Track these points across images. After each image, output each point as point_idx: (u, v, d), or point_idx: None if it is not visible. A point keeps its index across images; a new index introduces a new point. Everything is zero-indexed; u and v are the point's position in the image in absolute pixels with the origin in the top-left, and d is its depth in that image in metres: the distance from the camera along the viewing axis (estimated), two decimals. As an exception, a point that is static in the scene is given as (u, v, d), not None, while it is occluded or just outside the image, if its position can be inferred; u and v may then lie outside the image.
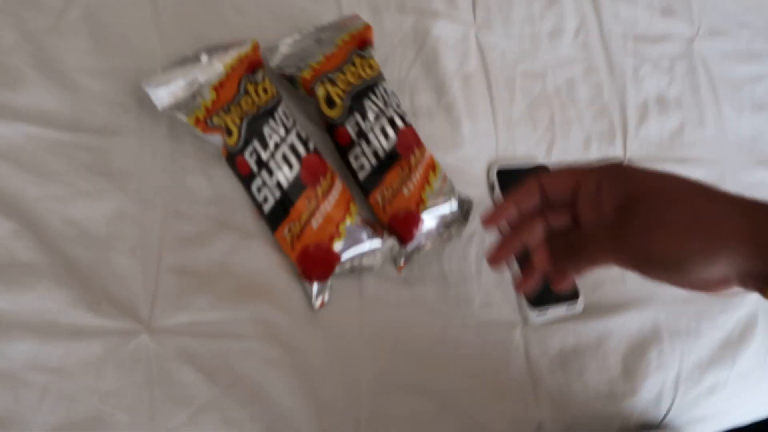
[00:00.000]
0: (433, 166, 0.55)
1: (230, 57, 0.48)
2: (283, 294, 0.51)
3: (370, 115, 0.53)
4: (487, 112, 0.65)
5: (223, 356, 0.47)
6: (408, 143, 0.54)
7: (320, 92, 0.52)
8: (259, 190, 0.49)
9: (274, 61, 0.53)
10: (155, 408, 0.44)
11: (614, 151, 0.72)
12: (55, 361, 0.42)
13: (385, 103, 0.54)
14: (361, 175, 0.53)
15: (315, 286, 0.50)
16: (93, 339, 0.44)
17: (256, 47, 0.50)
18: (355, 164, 0.53)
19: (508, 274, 0.61)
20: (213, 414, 0.46)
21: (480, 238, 0.61)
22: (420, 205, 0.54)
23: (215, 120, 0.47)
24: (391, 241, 0.53)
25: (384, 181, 0.53)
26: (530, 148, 0.67)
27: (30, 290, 0.42)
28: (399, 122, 0.54)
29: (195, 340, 0.47)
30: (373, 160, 0.53)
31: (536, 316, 0.60)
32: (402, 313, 0.55)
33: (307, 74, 0.52)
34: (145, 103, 0.48)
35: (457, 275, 0.58)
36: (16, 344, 0.41)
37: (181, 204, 0.49)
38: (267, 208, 0.49)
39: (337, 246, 0.50)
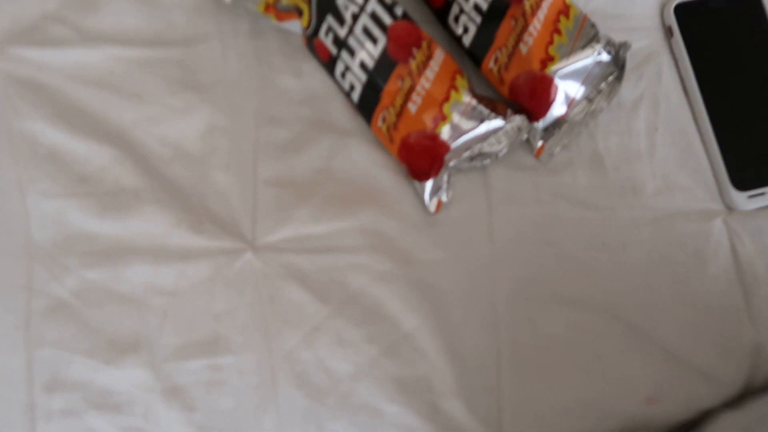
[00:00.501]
0: (564, 8, 0.42)
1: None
2: (392, 198, 0.44)
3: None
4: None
5: (333, 272, 0.43)
6: None
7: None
8: (343, 75, 0.42)
9: None
10: (268, 329, 0.42)
11: None
12: (170, 283, 0.42)
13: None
14: (466, 40, 0.42)
15: (428, 185, 0.42)
16: (200, 260, 0.42)
17: None
18: (456, 28, 0.43)
19: (698, 146, 0.46)
20: (327, 335, 0.42)
21: (651, 99, 0.46)
22: (549, 63, 0.41)
23: (284, 1, 0.40)
24: (519, 119, 0.42)
25: (495, 42, 0.42)
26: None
27: (137, 215, 0.42)
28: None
29: (300, 256, 0.43)
30: (477, 17, 0.42)
31: (747, 199, 0.44)
32: (543, 210, 0.44)
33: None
34: (222, 4, 0.44)
35: (618, 154, 0.45)
36: (134, 268, 0.42)
37: (273, 108, 0.44)
38: (355, 96, 0.42)
39: (445, 132, 0.41)
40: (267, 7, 0.41)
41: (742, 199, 0.44)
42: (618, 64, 0.43)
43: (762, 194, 0.44)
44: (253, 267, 0.42)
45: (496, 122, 0.41)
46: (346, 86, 0.42)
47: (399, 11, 0.41)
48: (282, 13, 0.41)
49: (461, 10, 0.42)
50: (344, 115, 0.44)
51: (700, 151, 0.46)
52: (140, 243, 0.42)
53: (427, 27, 0.43)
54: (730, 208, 0.45)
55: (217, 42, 0.44)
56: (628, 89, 0.46)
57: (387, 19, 0.40)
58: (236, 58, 0.44)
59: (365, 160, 0.44)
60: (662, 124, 0.46)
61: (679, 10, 0.47)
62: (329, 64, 0.42)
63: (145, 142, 0.43)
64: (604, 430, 0.42)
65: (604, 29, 0.44)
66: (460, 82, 0.41)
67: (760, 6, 0.47)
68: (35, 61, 0.43)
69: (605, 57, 0.42)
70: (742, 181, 0.45)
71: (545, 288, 0.43)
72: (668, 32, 0.47)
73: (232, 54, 0.44)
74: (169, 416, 0.41)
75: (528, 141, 0.44)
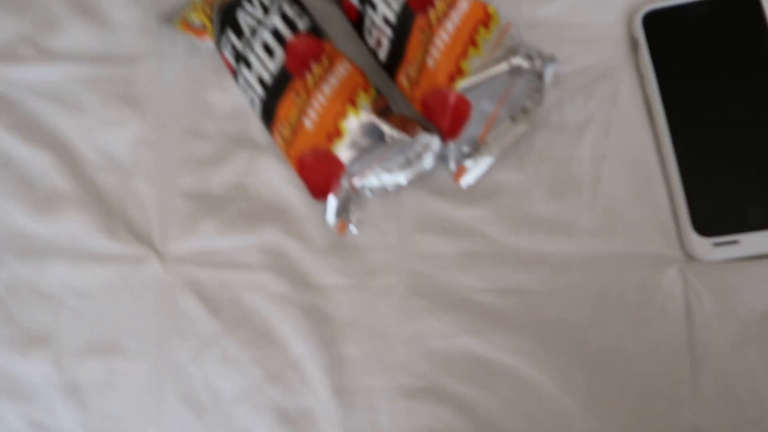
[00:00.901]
0: (484, 18, 0.38)
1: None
2: (299, 217, 0.42)
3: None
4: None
5: (230, 289, 0.42)
6: None
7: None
8: (245, 90, 0.41)
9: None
10: (162, 339, 0.42)
11: None
12: (82, 284, 0.44)
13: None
14: (381, 54, 0.40)
15: (330, 205, 0.40)
16: (111, 264, 0.44)
17: None
18: (370, 41, 0.40)
19: (657, 181, 0.38)
20: (215, 352, 0.41)
21: (602, 123, 0.39)
22: (457, 77, 0.37)
23: (194, 17, 0.41)
24: (426, 137, 0.38)
25: (406, 55, 0.38)
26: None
27: (63, 217, 0.45)
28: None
29: (202, 269, 0.42)
30: (387, 30, 0.39)
31: (713, 247, 0.36)
32: (458, 243, 0.39)
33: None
34: (162, 25, 0.46)
35: (551, 184, 0.39)
36: (54, 266, 0.44)
37: (200, 123, 0.45)
38: (256, 111, 0.41)
39: (341, 149, 0.38)
40: (184, 25, 0.42)
41: (706, 246, 0.36)
42: (536, 71, 0.37)
43: (732, 243, 0.36)
44: (157, 276, 0.43)
45: (398, 139, 0.38)
46: (248, 100, 0.41)
47: (303, 26, 0.40)
48: (197, 29, 0.42)
49: (372, 23, 0.40)
50: (262, 130, 0.44)
51: (659, 186, 0.38)
52: (63, 243, 0.44)
53: (347, 42, 0.42)
54: (690, 256, 0.37)
55: (155, 60, 0.46)
56: (573, 109, 0.40)
57: (287, 33, 0.39)
58: (171, 75, 0.46)
59: (278, 178, 0.43)
60: (613, 151, 0.39)
61: (648, 20, 0.40)
62: (234, 77, 0.42)
63: (81, 151, 0.46)
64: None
65: (554, 41, 0.39)
66: (363, 97, 0.38)
67: (750, 15, 0.39)
68: (2, 76, 0.48)
69: (523, 66, 0.37)
70: (708, 226, 0.36)
71: (453, 327, 0.38)
72: (633, 45, 0.40)
73: (167, 71, 0.46)
74: (65, 413, 0.42)
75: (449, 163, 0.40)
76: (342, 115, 0.38)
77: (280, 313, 0.41)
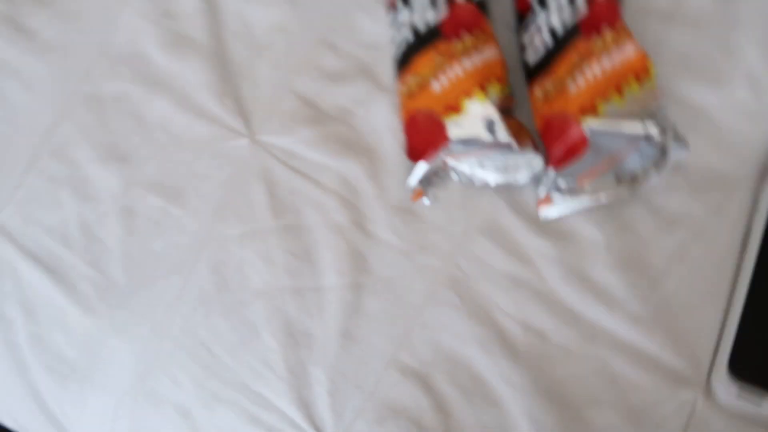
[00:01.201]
0: (641, 72, 0.37)
1: None
2: (385, 167, 0.43)
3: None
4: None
5: (297, 197, 0.44)
6: (599, 17, 0.37)
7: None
8: (395, 28, 0.42)
9: None
10: (220, 209, 0.45)
11: None
12: (176, 128, 0.47)
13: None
14: (530, 57, 0.40)
15: (418, 169, 0.41)
16: (207, 123, 0.46)
17: None
18: (525, 39, 0.40)
19: (715, 307, 0.38)
20: (259, 244, 0.44)
21: (696, 225, 0.39)
22: (588, 113, 0.37)
23: None
24: (531, 155, 0.38)
25: (552, 69, 0.38)
26: None
27: (186, 61, 0.47)
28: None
29: (282, 168, 0.45)
30: (548, 38, 0.39)
31: (733, 394, 0.36)
32: (511, 267, 0.40)
33: None
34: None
35: (622, 255, 0.39)
36: (160, 101, 0.47)
37: (339, 38, 0.46)
38: (397, 51, 0.42)
39: (452, 125, 0.39)
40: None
41: (729, 390, 0.36)
42: (661, 148, 0.37)
43: (755, 401, 0.36)
44: (242, 154, 0.45)
45: (506, 143, 0.38)
46: (392, 38, 0.42)
47: None
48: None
49: (537, 24, 0.39)
50: (389, 71, 0.44)
51: (717, 312, 0.38)
52: (176, 84, 0.47)
53: (502, 29, 0.42)
54: (707, 392, 0.37)
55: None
56: (678, 200, 0.40)
57: None
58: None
59: (384, 122, 0.44)
60: (692, 259, 0.39)
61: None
62: (391, 11, 0.42)
63: (228, 10, 0.48)
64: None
65: (694, 127, 0.39)
66: (495, 88, 0.39)
67: None
68: None
69: (654, 137, 0.36)
70: (742, 372, 0.36)
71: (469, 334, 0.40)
72: (764, 174, 0.39)
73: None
74: (114, 229, 0.46)
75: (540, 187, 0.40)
76: (468, 94, 0.38)
77: (330, 241, 0.43)
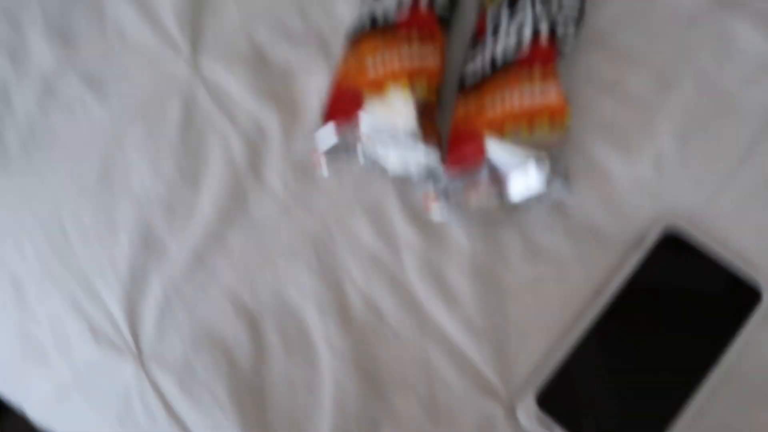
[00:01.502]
0: (555, 114, 0.39)
1: None
2: (303, 125, 0.44)
3: (518, 16, 0.41)
4: (729, 153, 0.42)
5: (209, 125, 0.45)
6: (533, 58, 0.40)
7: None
8: (361, 12, 0.44)
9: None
10: (133, 113, 0.46)
11: None
12: (130, 31, 0.48)
13: (548, 12, 0.41)
14: (468, 81, 0.42)
15: (327, 129, 0.41)
16: (158, 36, 0.48)
17: None
18: (469, 64, 0.42)
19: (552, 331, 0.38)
20: (153, 153, 0.44)
21: (557, 270, 0.40)
22: (493, 128, 0.39)
23: None
24: (427, 150, 0.40)
25: (480, 93, 0.41)
26: (759, 250, 0.40)
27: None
28: (545, 42, 0.40)
29: (207, 97, 0.46)
30: (488, 65, 0.41)
31: (535, 419, 0.36)
32: (377, 248, 0.41)
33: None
34: None
35: (478, 268, 0.40)
36: (124, 2, 0.49)
37: (312, 7, 0.48)
38: (351, 31, 0.44)
39: (370, 103, 0.40)
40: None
41: (530, 415, 0.36)
42: (545, 182, 0.38)
43: (548, 427, 0.36)
44: (176, 72, 0.47)
45: (410, 133, 0.39)
46: (356, 22, 0.44)
47: (439, 8, 0.43)
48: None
49: (483, 51, 0.42)
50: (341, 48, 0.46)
51: (544, 345, 0.38)
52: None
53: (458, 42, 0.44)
54: (511, 410, 0.37)
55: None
56: (554, 242, 0.40)
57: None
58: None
59: (318, 92, 0.45)
60: (544, 292, 0.39)
61: (668, 231, 0.40)
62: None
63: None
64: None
65: (592, 186, 0.41)
66: (423, 88, 0.40)
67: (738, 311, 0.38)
68: None
69: (541, 175, 0.38)
70: (547, 399, 0.36)
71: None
72: (638, 242, 0.40)
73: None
74: (28, 102, 0.47)
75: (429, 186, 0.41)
76: (396, 80, 0.40)
77: (221, 172, 0.44)
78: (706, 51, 0.44)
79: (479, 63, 0.42)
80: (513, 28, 0.41)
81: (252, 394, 0.38)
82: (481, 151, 0.39)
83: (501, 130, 0.39)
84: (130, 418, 0.39)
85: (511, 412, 0.37)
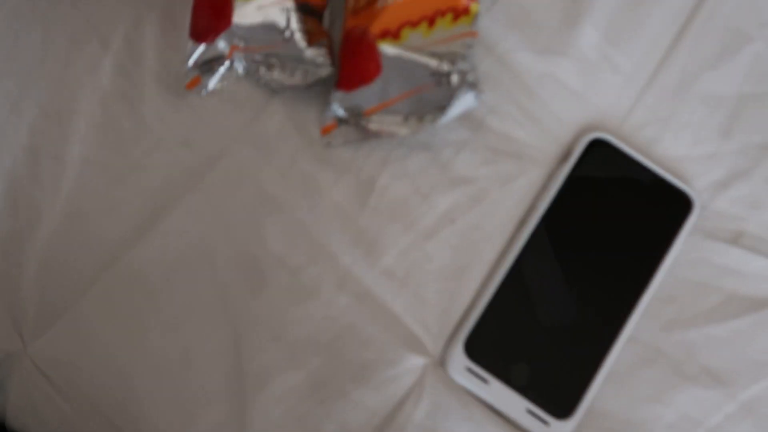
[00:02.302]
0: (458, 9, 0.33)
1: None
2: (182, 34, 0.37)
3: None
4: (653, 50, 0.37)
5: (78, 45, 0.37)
6: None
7: None
8: None
9: None
10: None
11: None
12: None
13: None
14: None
15: (197, 50, 0.35)
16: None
17: None
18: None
19: (471, 280, 0.35)
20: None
21: (475, 192, 0.35)
22: (389, 36, 0.33)
23: None
24: (321, 58, 0.34)
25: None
26: (687, 158, 0.36)
27: None
28: None
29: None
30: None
31: (462, 368, 0.33)
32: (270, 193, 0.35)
33: None
34: None
35: (390, 200, 0.35)
36: None
37: None
38: None
39: (241, 8, 0.33)
40: None
41: (459, 363, 0.33)
42: (450, 91, 0.33)
43: (482, 379, 0.33)
44: None
45: (295, 40, 0.33)
46: None
47: None
48: None
49: None
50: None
51: (469, 287, 0.35)
52: None
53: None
54: (440, 362, 0.34)
55: None
56: (466, 161, 0.36)
57: None
58: None
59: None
60: (465, 224, 0.35)
61: (594, 144, 0.36)
62: None
63: None
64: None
65: (508, 95, 0.35)
66: None
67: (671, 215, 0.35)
68: None
69: (451, 79, 0.32)
70: (476, 349, 0.33)
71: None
72: (563, 156, 0.36)
73: None
74: None
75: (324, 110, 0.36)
76: None
77: (90, 109, 0.37)
78: None
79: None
80: None
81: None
82: (376, 65, 0.33)
83: (397, 36, 0.33)
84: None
85: (440, 364, 0.34)
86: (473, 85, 0.33)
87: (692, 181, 0.36)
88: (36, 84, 0.37)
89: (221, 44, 0.35)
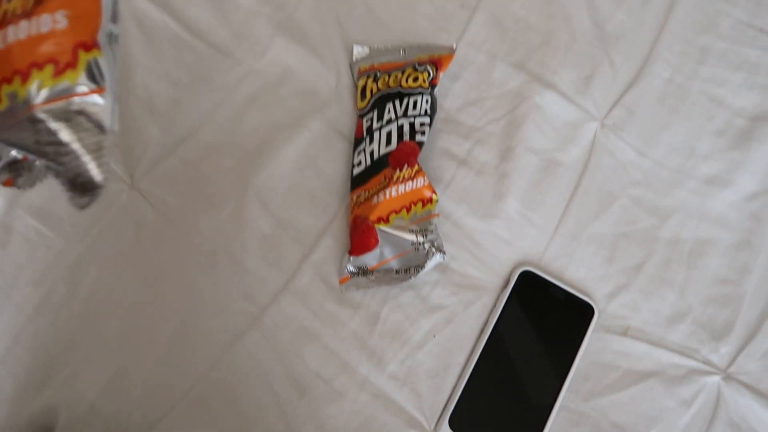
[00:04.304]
0: (425, 200, 0.51)
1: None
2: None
3: (385, 117, 0.52)
4: (555, 210, 0.55)
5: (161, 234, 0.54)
6: (402, 157, 0.51)
7: (360, 83, 0.54)
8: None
9: (362, 54, 0.57)
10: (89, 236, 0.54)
11: (709, 355, 0.52)
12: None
13: (405, 113, 0.52)
14: (355, 171, 0.53)
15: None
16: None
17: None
18: (355, 159, 0.53)
19: (451, 376, 0.51)
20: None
21: (449, 314, 0.52)
22: (382, 221, 0.50)
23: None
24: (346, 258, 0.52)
25: (366, 184, 0.52)
26: (586, 279, 0.54)
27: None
28: (407, 135, 0.52)
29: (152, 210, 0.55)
30: (368, 160, 0.52)
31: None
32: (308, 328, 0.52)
33: (363, 67, 0.54)
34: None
35: (389, 327, 0.52)
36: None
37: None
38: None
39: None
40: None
41: (443, 435, 0.49)
42: (423, 256, 0.50)
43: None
44: (121, 198, 0.55)
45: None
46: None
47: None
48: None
49: (364, 149, 0.53)
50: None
51: (450, 379, 0.51)
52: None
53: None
54: (436, 432, 0.50)
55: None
56: (438, 295, 0.53)
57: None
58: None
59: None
60: (442, 337, 0.52)
61: (524, 276, 0.53)
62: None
63: (136, 81, 0.58)
64: None
65: (461, 244, 0.53)
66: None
67: (575, 325, 0.52)
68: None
69: (422, 246, 0.50)
70: (457, 425, 0.49)
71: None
72: (504, 284, 0.54)
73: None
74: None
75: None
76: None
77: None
78: (530, 123, 0.57)
79: (362, 159, 0.53)
80: (384, 129, 0.53)
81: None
82: (375, 239, 0.51)
83: (387, 220, 0.51)
84: None
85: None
86: (439, 249, 0.50)
87: (592, 295, 0.54)
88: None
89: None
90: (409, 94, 0.53)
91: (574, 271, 0.54)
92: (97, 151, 0.31)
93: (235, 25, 0.59)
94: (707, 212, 0.55)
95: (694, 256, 0.54)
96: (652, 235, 0.55)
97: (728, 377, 0.51)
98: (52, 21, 0.28)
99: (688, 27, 0.60)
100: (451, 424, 0.49)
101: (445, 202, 0.55)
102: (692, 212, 0.55)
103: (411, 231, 0.51)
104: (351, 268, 0.52)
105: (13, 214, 0.54)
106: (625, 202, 0.56)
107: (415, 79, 0.53)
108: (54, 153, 0.30)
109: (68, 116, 0.29)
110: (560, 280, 0.53)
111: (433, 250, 0.50)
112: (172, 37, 0.58)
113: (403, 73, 0.54)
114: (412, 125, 0.52)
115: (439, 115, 0.56)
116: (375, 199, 0.51)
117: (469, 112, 0.57)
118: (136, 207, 0.54)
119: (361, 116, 0.54)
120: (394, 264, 0.51)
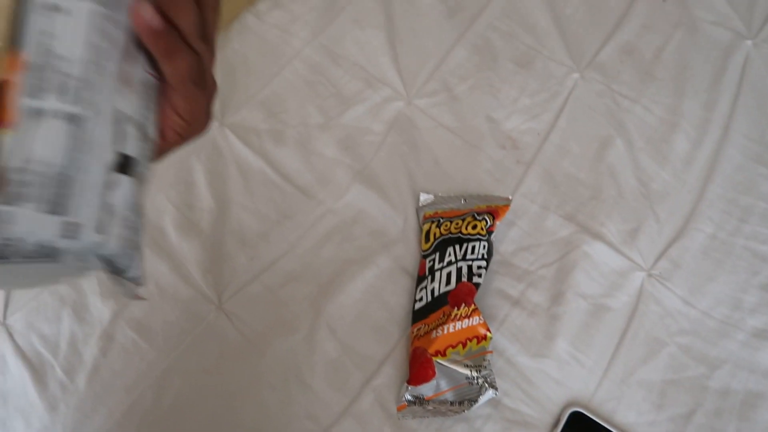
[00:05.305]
0: (479, 337, 0.55)
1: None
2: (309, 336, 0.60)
3: (446, 259, 0.58)
4: (604, 353, 0.58)
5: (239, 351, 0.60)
6: (460, 296, 0.56)
7: (425, 227, 0.61)
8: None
9: (427, 201, 0.65)
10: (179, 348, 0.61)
11: None
12: (166, 285, 0.64)
13: (464, 257, 0.58)
14: (417, 306, 0.59)
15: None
16: (189, 289, 0.64)
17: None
18: (417, 294, 0.59)
19: None
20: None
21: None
22: (440, 354, 0.55)
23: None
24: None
25: (427, 318, 0.57)
26: (636, 424, 0.55)
27: (190, 240, 0.66)
28: (465, 277, 0.58)
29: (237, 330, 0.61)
30: (429, 297, 0.58)
31: None
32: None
33: (428, 213, 0.62)
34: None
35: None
36: (159, 263, 0.66)
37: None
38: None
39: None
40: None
41: None
42: (476, 391, 0.54)
43: None
44: (211, 318, 0.62)
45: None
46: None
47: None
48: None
49: (425, 286, 0.59)
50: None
51: None
52: (176, 254, 0.66)
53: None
54: None
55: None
56: (494, 431, 0.56)
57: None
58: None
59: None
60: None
61: (575, 415, 0.55)
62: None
63: (232, 213, 0.68)
64: None
65: (514, 381, 0.56)
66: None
67: None
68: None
69: (475, 381, 0.54)
70: None
71: None
72: (554, 423, 0.56)
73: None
74: (92, 350, 0.62)
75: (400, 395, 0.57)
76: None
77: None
78: (579, 269, 0.61)
79: (424, 296, 0.59)
80: (444, 270, 0.59)
81: None
82: (432, 371, 0.55)
83: (444, 354, 0.55)
84: None
85: None
86: (492, 385, 0.54)
87: (643, 438, 0.55)
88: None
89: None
90: (468, 240, 0.60)
91: (623, 416, 0.56)
92: None
93: (319, 172, 0.69)
94: (758, 365, 0.57)
95: (746, 408, 0.55)
96: (702, 384, 0.57)
97: None
98: None
99: (729, 188, 0.65)
100: None
101: (498, 339, 0.59)
102: (742, 364, 0.57)
103: (466, 366, 0.55)
104: (408, 397, 0.56)
105: (116, 325, 0.62)
106: (673, 349, 0.58)
107: (474, 227, 0.60)
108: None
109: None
110: (610, 423, 0.55)
111: (486, 385, 0.54)
112: (265, 180, 0.69)
113: (463, 220, 0.61)
114: (470, 268, 0.58)
115: (495, 258, 0.62)
116: (434, 333, 0.56)
117: (522, 256, 0.63)
118: (221, 326, 0.61)
119: (424, 257, 0.61)
120: (449, 396, 0.55)
